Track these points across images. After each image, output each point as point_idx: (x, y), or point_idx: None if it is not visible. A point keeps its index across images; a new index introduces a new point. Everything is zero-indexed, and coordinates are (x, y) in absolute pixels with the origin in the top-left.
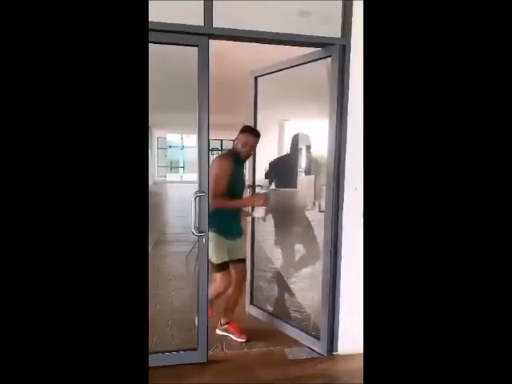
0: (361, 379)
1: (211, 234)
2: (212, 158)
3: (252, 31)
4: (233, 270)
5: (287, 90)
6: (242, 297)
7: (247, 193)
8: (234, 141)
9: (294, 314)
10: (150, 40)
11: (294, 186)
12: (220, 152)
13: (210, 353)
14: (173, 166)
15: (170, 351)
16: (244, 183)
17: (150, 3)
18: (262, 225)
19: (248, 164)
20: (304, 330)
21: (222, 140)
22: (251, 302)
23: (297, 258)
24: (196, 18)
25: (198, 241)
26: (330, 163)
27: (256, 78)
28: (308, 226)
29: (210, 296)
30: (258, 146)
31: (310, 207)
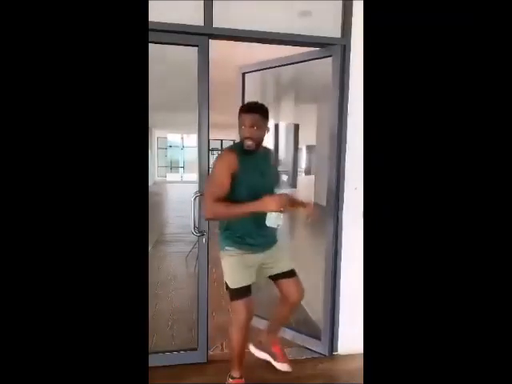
0: (361, 379)
1: (224, 253)
2: (212, 158)
3: (252, 31)
4: (282, 291)
5: (284, 89)
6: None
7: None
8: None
9: (293, 314)
10: (150, 40)
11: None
12: (220, 152)
13: (210, 353)
14: (173, 166)
15: (170, 351)
16: (271, 181)
17: (150, 3)
18: None
19: None
20: (304, 330)
21: (222, 140)
22: None
23: (297, 258)
24: (196, 18)
25: (198, 241)
26: (330, 163)
27: (243, 74)
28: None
29: (235, 340)
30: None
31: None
